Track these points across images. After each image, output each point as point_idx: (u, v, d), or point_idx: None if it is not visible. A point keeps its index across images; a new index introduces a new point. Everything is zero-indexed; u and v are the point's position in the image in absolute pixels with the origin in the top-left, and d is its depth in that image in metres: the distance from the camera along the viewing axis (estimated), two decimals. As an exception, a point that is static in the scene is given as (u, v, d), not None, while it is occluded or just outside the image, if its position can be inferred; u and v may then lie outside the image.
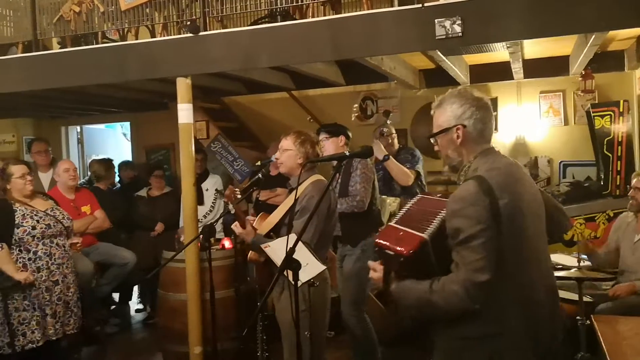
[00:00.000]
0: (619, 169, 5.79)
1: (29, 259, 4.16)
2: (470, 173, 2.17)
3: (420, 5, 3.80)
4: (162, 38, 4.72)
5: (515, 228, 2.05)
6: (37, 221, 4.22)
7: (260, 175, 3.59)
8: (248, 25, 4.49)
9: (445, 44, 3.81)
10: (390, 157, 4.94)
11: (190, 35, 4.39)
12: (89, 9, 4.79)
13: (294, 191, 3.16)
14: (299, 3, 4.33)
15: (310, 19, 4.35)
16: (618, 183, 5.76)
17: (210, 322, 4.17)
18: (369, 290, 4.61)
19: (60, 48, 5.09)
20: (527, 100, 6.70)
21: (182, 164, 4.53)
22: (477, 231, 1.97)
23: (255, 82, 6.37)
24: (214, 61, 4.46)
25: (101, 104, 7.53)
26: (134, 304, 6.78)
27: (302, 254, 2.70)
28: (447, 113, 2.24)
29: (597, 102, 6.22)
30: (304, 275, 2.67)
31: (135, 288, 6.74)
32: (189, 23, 4.51)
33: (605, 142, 5.88)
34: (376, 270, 2.27)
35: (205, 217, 5.88)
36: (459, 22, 3.66)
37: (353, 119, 6.65)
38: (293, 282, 2.56)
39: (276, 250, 2.95)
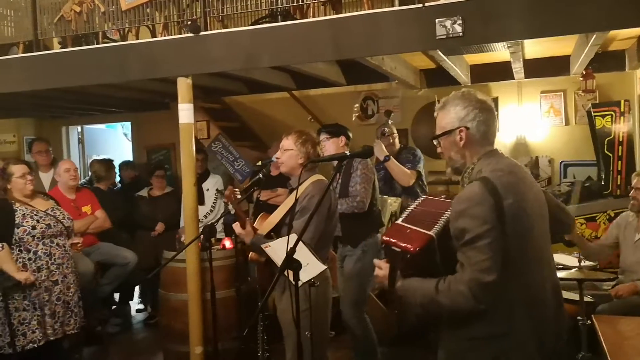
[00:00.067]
0: (619, 168, 5.79)
1: (29, 259, 4.16)
2: (474, 175, 2.17)
3: (420, 5, 3.80)
4: (163, 38, 4.72)
5: (520, 228, 2.05)
6: (37, 221, 4.22)
7: (261, 175, 3.59)
8: (249, 25, 4.49)
9: (446, 43, 3.81)
10: (391, 157, 4.94)
11: (191, 35, 4.39)
12: (90, 9, 4.79)
13: (295, 191, 3.16)
14: (300, 3, 4.33)
15: (310, 19, 4.35)
16: (619, 183, 5.76)
17: (211, 322, 4.18)
18: (370, 291, 4.62)
19: (61, 48, 5.09)
20: (527, 100, 6.70)
21: (183, 164, 4.53)
22: (483, 231, 1.98)
23: (256, 82, 6.37)
24: (215, 61, 4.46)
25: (102, 104, 7.53)
26: (135, 304, 6.78)
27: (303, 254, 2.70)
28: (451, 115, 2.25)
29: (598, 102, 6.22)
30: (305, 275, 2.67)
31: (136, 288, 6.75)
32: (189, 23, 4.50)
33: (606, 142, 5.87)
34: (381, 268, 2.27)
35: (206, 217, 5.88)
36: (459, 21, 3.66)
37: (354, 119, 6.66)
38: (293, 282, 2.56)
39: (277, 250, 2.95)
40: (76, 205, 5.42)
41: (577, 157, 6.54)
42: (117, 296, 6.43)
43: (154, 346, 5.40)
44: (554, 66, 6.18)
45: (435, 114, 2.34)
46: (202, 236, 4.01)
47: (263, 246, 3.06)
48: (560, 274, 3.76)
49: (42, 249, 4.21)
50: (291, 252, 2.46)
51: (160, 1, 4.60)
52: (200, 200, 5.55)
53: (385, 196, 5.08)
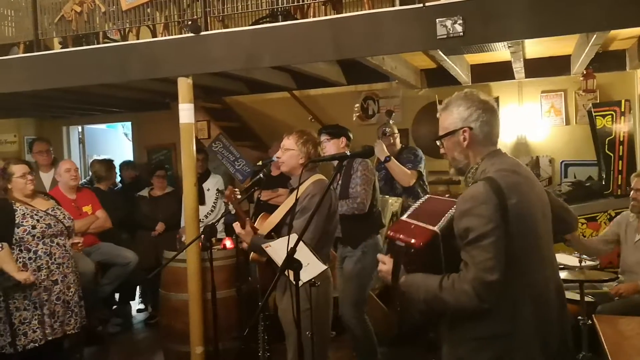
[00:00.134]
0: (620, 168, 5.78)
1: (29, 259, 4.17)
2: (478, 175, 2.18)
3: (421, 5, 3.80)
4: (164, 38, 4.72)
5: (523, 228, 2.06)
6: (38, 221, 4.22)
7: (261, 175, 3.59)
8: (249, 25, 4.49)
9: (447, 43, 3.81)
10: (392, 158, 4.94)
11: (192, 35, 4.39)
12: (90, 9, 4.79)
13: (295, 191, 3.16)
14: (300, 3, 4.33)
15: (311, 19, 4.35)
16: (619, 183, 5.76)
17: (211, 322, 4.18)
18: (371, 290, 4.62)
19: (62, 48, 5.09)
20: (528, 99, 6.69)
21: (184, 163, 4.53)
22: (487, 230, 1.98)
23: (256, 82, 6.37)
24: (215, 61, 4.46)
25: (102, 103, 7.53)
26: (136, 303, 6.79)
27: (303, 253, 2.70)
28: (454, 115, 2.25)
29: (598, 101, 6.22)
30: (305, 275, 2.66)
31: (137, 288, 6.76)
32: (190, 23, 4.50)
33: (606, 142, 5.87)
34: (385, 263, 2.27)
35: (206, 217, 5.88)
36: (460, 21, 3.66)
37: (354, 118, 6.66)
38: (294, 282, 2.56)
39: (277, 250, 2.95)
40: (77, 205, 5.42)
41: (577, 157, 6.54)
42: (117, 296, 6.43)
43: (154, 346, 5.40)
44: (554, 66, 6.18)
45: (437, 115, 2.34)
46: (202, 236, 4.02)
47: (264, 246, 3.06)
48: (561, 274, 3.76)
49: (42, 248, 4.22)
50: (292, 252, 2.46)
51: (161, 1, 4.60)
52: (201, 200, 5.55)
53: (386, 196, 5.08)
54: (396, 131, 5.22)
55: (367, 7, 4.16)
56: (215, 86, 6.41)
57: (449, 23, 3.68)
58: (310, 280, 2.78)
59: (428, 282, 2.09)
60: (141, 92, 6.51)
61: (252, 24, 4.49)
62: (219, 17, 4.54)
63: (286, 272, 2.56)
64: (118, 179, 7.29)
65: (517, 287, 2.05)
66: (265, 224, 3.46)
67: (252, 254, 3.50)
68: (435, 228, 2.08)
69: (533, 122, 6.65)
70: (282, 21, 4.33)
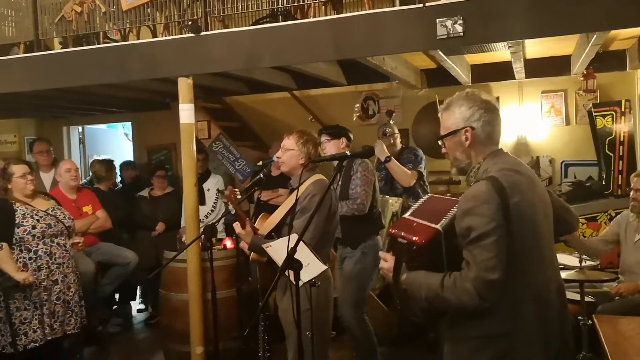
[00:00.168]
0: (620, 168, 5.78)
1: (29, 259, 4.17)
2: (480, 174, 2.18)
3: (421, 5, 3.80)
4: (164, 38, 4.72)
5: (525, 227, 2.06)
6: (38, 220, 4.22)
7: (261, 175, 3.59)
8: (249, 25, 4.49)
9: (447, 43, 3.81)
10: (392, 158, 4.94)
11: (192, 35, 4.39)
12: (91, 9, 4.79)
13: (295, 191, 3.16)
14: (301, 3, 4.33)
15: (311, 19, 4.35)
16: (620, 183, 5.75)
17: (212, 322, 4.18)
18: (371, 290, 4.61)
19: (62, 48, 5.10)
20: (528, 100, 6.69)
21: (184, 164, 4.53)
22: (489, 229, 1.99)
23: (257, 82, 6.37)
24: (216, 61, 4.46)
25: (103, 104, 7.53)
26: (136, 304, 6.79)
27: (304, 253, 2.69)
28: (456, 115, 2.25)
29: (598, 101, 6.21)
30: (306, 275, 2.66)
31: (138, 288, 6.76)
32: (190, 23, 4.51)
33: (607, 142, 5.87)
34: (387, 260, 2.27)
35: (206, 217, 5.88)
36: (460, 21, 3.66)
37: (355, 118, 6.65)
38: (294, 282, 2.56)
39: (277, 250, 2.95)
40: (77, 205, 5.42)
41: (578, 157, 6.54)
42: (117, 296, 6.43)
43: (154, 346, 5.40)
44: (554, 66, 6.18)
45: (439, 115, 2.34)
46: (202, 236, 4.02)
47: (264, 246, 3.06)
48: (562, 274, 3.76)
49: (42, 248, 4.22)
50: (292, 252, 2.46)
51: (161, 1, 4.60)
52: (201, 200, 5.55)
53: (386, 196, 5.08)
54: (396, 131, 5.22)
55: (367, 7, 4.16)
56: (215, 86, 6.41)
57: (449, 23, 3.68)
58: (311, 280, 2.78)
59: (429, 280, 2.09)
60: (141, 92, 6.51)
61: (253, 24, 4.49)
62: (219, 17, 4.54)
63: (286, 272, 2.56)
64: (118, 179, 7.30)
65: (518, 287, 2.05)
66: (266, 224, 3.46)
67: (252, 254, 3.50)
68: (438, 226, 2.09)
69: (533, 122, 6.65)
70: (282, 21, 4.33)
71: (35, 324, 4.14)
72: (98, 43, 4.97)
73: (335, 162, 2.83)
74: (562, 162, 6.61)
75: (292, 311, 2.65)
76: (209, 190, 6.04)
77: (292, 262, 2.48)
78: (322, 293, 3.23)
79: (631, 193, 4.38)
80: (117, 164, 6.99)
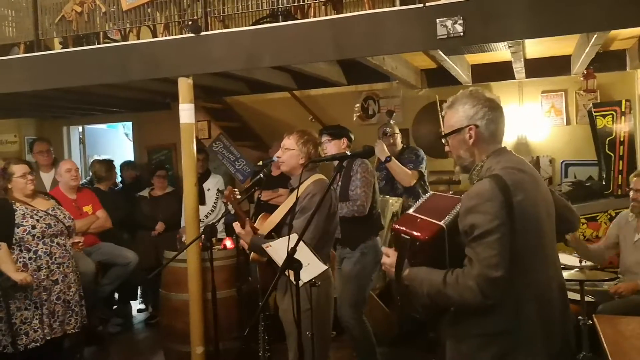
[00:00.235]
0: (620, 168, 5.78)
1: (29, 259, 4.17)
2: (484, 172, 2.18)
3: (421, 5, 3.80)
4: (164, 38, 4.72)
5: (528, 226, 2.07)
6: (37, 220, 4.22)
7: (262, 175, 3.59)
8: (250, 25, 4.49)
9: (447, 43, 3.81)
10: (392, 158, 4.94)
11: (192, 35, 4.39)
12: (91, 9, 4.79)
13: (295, 191, 3.16)
14: (301, 3, 4.33)
15: (311, 19, 4.34)
16: (620, 183, 5.75)
17: (212, 322, 4.19)
18: (371, 290, 4.61)
19: (62, 48, 5.10)
20: (528, 99, 6.69)
21: (184, 164, 4.53)
22: (492, 227, 1.99)
23: (257, 82, 6.38)
24: (216, 61, 4.46)
25: (103, 104, 7.53)
26: (136, 303, 6.79)
27: (304, 253, 2.70)
28: (459, 113, 2.26)
29: (599, 101, 6.21)
30: (306, 275, 2.66)
31: (138, 288, 6.76)
32: (190, 23, 4.51)
33: (607, 142, 5.87)
34: (389, 256, 2.28)
35: (206, 217, 5.89)
36: (460, 21, 3.66)
37: (355, 118, 6.67)
38: (294, 282, 2.56)
39: (277, 250, 2.95)
40: (77, 205, 5.43)
41: (578, 157, 6.54)
42: (116, 296, 6.43)
43: (155, 346, 5.40)
44: (554, 66, 6.18)
45: (442, 113, 2.34)
46: (203, 236, 4.02)
47: (264, 246, 3.06)
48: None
49: (42, 248, 4.22)
50: (292, 252, 2.46)
51: (161, 1, 4.60)
52: (201, 200, 5.55)
53: (386, 196, 5.08)
54: (397, 131, 5.22)
55: (367, 7, 4.16)
56: (215, 86, 6.41)
57: (449, 23, 3.68)
58: (311, 280, 2.78)
59: (432, 277, 2.09)
60: (142, 92, 6.52)
61: (253, 24, 4.49)
62: (219, 17, 4.54)
63: (286, 272, 2.56)
64: (119, 179, 7.30)
65: (521, 285, 2.06)
66: (266, 224, 3.46)
67: (252, 254, 3.50)
68: (442, 223, 2.10)
69: (533, 122, 6.65)
70: (282, 21, 4.33)
71: (35, 324, 4.14)
72: (98, 43, 4.97)
73: (336, 162, 2.83)
74: (562, 162, 6.61)
75: (293, 311, 2.66)
76: (209, 190, 6.04)
77: (292, 262, 2.48)
78: (323, 293, 3.24)
79: (631, 193, 4.38)
80: (117, 164, 7.00)
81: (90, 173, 6.88)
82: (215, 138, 6.82)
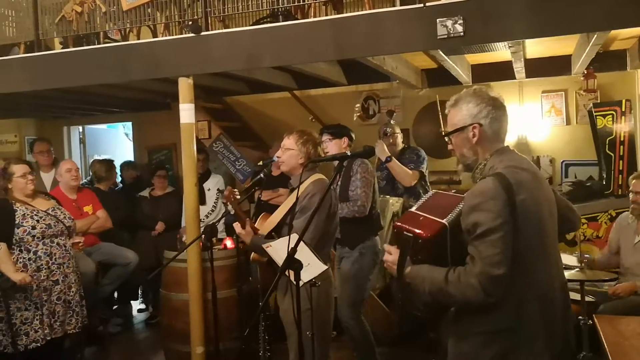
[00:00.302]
0: (621, 168, 5.78)
1: (29, 259, 4.17)
2: (487, 171, 2.19)
3: (421, 5, 3.80)
4: (164, 38, 4.72)
5: (531, 225, 2.07)
6: (37, 221, 4.22)
7: (262, 175, 3.59)
8: (250, 25, 4.49)
9: (447, 43, 3.81)
10: (393, 158, 4.94)
11: (192, 35, 4.39)
12: (91, 9, 4.80)
13: (295, 191, 3.16)
14: (301, 3, 4.33)
15: (312, 19, 4.34)
16: (620, 183, 5.75)
17: (212, 322, 4.19)
18: (371, 290, 4.61)
19: (63, 48, 5.10)
20: (529, 99, 6.69)
21: (184, 164, 4.53)
22: (495, 225, 1.99)
23: (257, 82, 6.38)
24: (216, 61, 4.46)
25: (103, 104, 7.54)
26: (137, 303, 6.79)
27: (304, 253, 2.69)
28: (463, 112, 2.26)
29: (599, 101, 6.21)
30: (306, 275, 2.66)
31: (139, 288, 6.76)
32: (190, 23, 4.51)
33: (607, 142, 5.86)
34: (391, 253, 2.28)
35: (207, 217, 5.89)
36: (460, 21, 3.66)
37: (355, 118, 6.67)
38: (294, 282, 2.56)
39: (277, 250, 2.95)
40: (77, 205, 5.43)
41: (578, 157, 6.54)
42: (115, 295, 6.43)
43: (155, 346, 5.40)
44: (555, 66, 6.18)
45: (446, 111, 2.35)
46: (203, 236, 4.02)
47: (264, 246, 3.06)
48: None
49: (42, 249, 4.22)
50: (292, 252, 2.46)
51: (162, 1, 4.60)
52: (202, 200, 5.55)
53: (387, 196, 5.08)
54: (397, 131, 5.22)
55: (367, 7, 4.16)
56: (216, 86, 6.41)
57: (449, 23, 3.68)
58: (311, 280, 2.78)
59: (434, 275, 2.09)
60: (142, 92, 6.52)
61: (253, 24, 4.49)
62: (219, 17, 4.54)
63: (287, 273, 2.56)
64: (119, 179, 7.30)
65: (523, 284, 2.06)
66: (266, 224, 3.47)
67: (252, 254, 3.50)
68: (444, 221, 2.11)
69: (534, 122, 6.65)
70: (282, 21, 4.33)
71: (36, 324, 4.13)
72: (98, 43, 4.97)
73: (336, 162, 2.83)
74: (562, 162, 6.61)
75: (293, 311, 2.65)
76: (209, 190, 6.04)
77: (293, 262, 2.48)
78: (323, 293, 3.24)
79: (630, 195, 4.39)
80: (117, 164, 7.00)
81: (91, 173, 6.89)
82: (216, 138, 6.82)
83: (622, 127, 5.79)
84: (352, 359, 4.56)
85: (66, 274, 4.32)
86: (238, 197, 3.58)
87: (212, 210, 6.03)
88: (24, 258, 4.16)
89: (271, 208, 3.74)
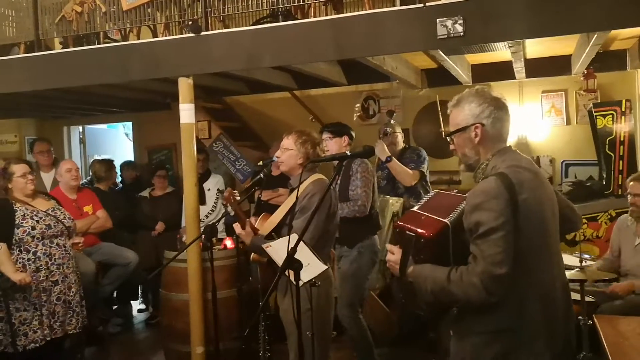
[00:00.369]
0: (621, 168, 5.78)
1: (28, 260, 4.17)
2: (489, 171, 2.19)
3: (421, 5, 3.80)
4: (164, 38, 4.72)
5: (533, 224, 2.08)
6: (37, 221, 4.22)
7: (262, 175, 3.59)
8: (250, 25, 4.49)
9: (447, 43, 3.81)
10: (393, 158, 4.94)
11: (192, 35, 4.40)
12: (91, 9, 4.80)
13: (295, 191, 3.16)
14: (301, 3, 4.33)
15: (312, 19, 4.34)
16: (620, 183, 5.75)
17: (212, 322, 4.19)
18: (371, 290, 4.61)
19: (63, 48, 5.10)
20: (529, 99, 6.69)
21: (184, 164, 4.53)
22: (498, 225, 2.00)
23: (257, 82, 6.38)
24: (216, 61, 4.46)
25: (103, 104, 7.54)
26: (137, 303, 6.79)
27: (304, 253, 2.69)
28: (465, 112, 2.26)
29: (599, 101, 6.21)
30: (306, 275, 2.66)
31: (139, 288, 6.76)
32: (190, 23, 4.51)
33: (607, 142, 5.86)
34: (394, 253, 2.28)
35: (207, 216, 5.89)
36: (460, 21, 3.66)
37: (355, 118, 6.67)
38: (294, 282, 2.56)
39: (277, 250, 2.95)
40: (78, 205, 5.43)
41: (578, 157, 6.54)
42: (114, 295, 6.43)
43: (155, 346, 5.40)
44: (555, 66, 6.18)
45: (448, 111, 2.35)
46: (203, 236, 4.02)
47: (264, 246, 3.06)
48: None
49: (41, 249, 4.21)
50: (292, 252, 2.46)
51: (162, 1, 4.60)
52: (202, 200, 5.55)
53: (387, 196, 5.08)
54: (398, 130, 5.22)
55: (367, 7, 4.16)
56: (215, 86, 6.41)
57: (449, 23, 3.68)
58: (311, 280, 2.78)
59: (436, 274, 2.10)
60: (142, 92, 6.52)
61: (253, 24, 4.49)
62: (219, 17, 4.54)
63: (286, 273, 2.56)
64: (119, 179, 7.30)
65: (525, 284, 2.07)
66: (266, 224, 3.46)
67: (252, 255, 3.50)
68: (446, 220, 2.11)
69: (534, 122, 6.65)
70: (282, 21, 4.33)
71: (35, 325, 4.13)
72: (98, 43, 4.97)
73: (335, 162, 2.83)
74: (562, 162, 6.60)
75: (293, 311, 2.65)
76: (209, 190, 6.04)
77: (293, 262, 2.48)
78: (323, 293, 3.23)
79: (629, 197, 4.39)
80: (117, 164, 7.00)
81: (91, 173, 6.89)
82: (216, 138, 6.82)
83: (622, 127, 5.79)
84: (352, 359, 4.56)
85: (66, 274, 4.31)
86: (238, 198, 3.59)
87: (212, 210, 6.03)
88: (23, 258, 4.15)
89: (271, 208, 3.74)
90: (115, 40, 5.10)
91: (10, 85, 5.03)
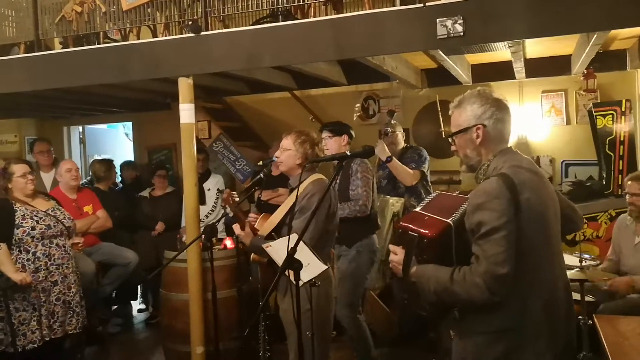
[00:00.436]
0: (621, 168, 5.77)
1: (28, 260, 4.17)
2: (490, 172, 2.20)
3: (421, 5, 3.80)
4: (164, 38, 4.72)
5: (535, 224, 2.08)
6: (37, 222, 4.22)
7: (262, 175, 3.59)
8: (250, 25, 4.49)
9: (447, 43, 3.81)
10: (393, 157, 4.94)
11: (192, 35, 4.40)
12: (91, 9, 4.80)
13: (295, 191, 3.16)
14: (301, 3, 4.33)
15: (312, 19, 4.34)
16: (620, 182, 5.74)
17: (212, 322, 4.18)
18: (371, 290, 4.61)
19: (62, 48, 5.10)
20: (529, 99, 6.69)
21: (184, 164, 4.53)
22: (500, 224, 2.00)
23: (257, 82, 6.38)
24: (216, 61, 4.46)
25: (103, 104, 7.54)
26: (136, 303, 6.79)
27: (304, 253, 2.70)
28: (467, 113, 2.27)
29: (599, 101, 6.21)
30: (306, 275, 2.66)
31: (139, 288, 6.76)
32: (190, 23, 4.51)
33: (607, 142, 5.86)
34: (396, 253, 2.29)
35: (207, 216, 5.89)
36: (460, 21, 3.66)
37: (355, 118, 6.67)
38: (294, 282, 2.56)
39: (277, 250, 2.95)
40: (77, 205, 5.43)
41: (578, 157, 6.53)
42: (114, 295, 6.43)
43: (155, 346, 5.40)
44: (555, 66, 6.18)
45: (450, 112, 2.35)
46: (203, 236, 4.02)
47: (264, 246, 3.06)
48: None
49: (41, 249, 4.21)
50: (292, 252, 2.46)
51: (162, 1, 4.60)
52: (202, 200, 5.55)
53: (387, 196, 5.07)
54: (398, 130, 5.22)
55: (367, 7, 4.16)
56: (215, 86, 6.41)
57: (449, 23, 3.68)
58: (311, 280, 2.78)
59: (439, 274, 2.10)
60: (142, 92, 6.52)
61: (253, 24, 4.49)
62: (219, 17, 4.54)
63: (286, 272, 2.56)
64: (119, 179, 7.30)
65: (527, 284, 2.07)
66: (266, 225, 3.46)
67: (252, 255, 3.50)
68: (449, 220, 2.12)
69: (534, 121, 6.64)
70: (282, 21, 4.33)
71: (33, 325, 4.13)
72: (98, 43, 4.97)
73: (335, 162, 2.83)
74: (562, 162, 6.60)
75: (293, 311, 2.65)
76: (209, 190, 6.04)
77: (292, 262, 2.48)
78: (323, 293, 3.24)
79: (627, 197, 4.38)
80: (117, 164, 7.00)
81: (90, 173, 6.89)
82: (216, 138, 6.82)
83: (622, 127, 5.79)
84: (352, 359, 4.56)
85: (65, 274, 4.31)
86: (236, 199, 3.58)
87: (212, 210, 6.03)
88: (22, 259, 4.15)
89: (271, 208, 3.74)
90: (115, 40, 5.10)
91: (10, 85, 5.03)
